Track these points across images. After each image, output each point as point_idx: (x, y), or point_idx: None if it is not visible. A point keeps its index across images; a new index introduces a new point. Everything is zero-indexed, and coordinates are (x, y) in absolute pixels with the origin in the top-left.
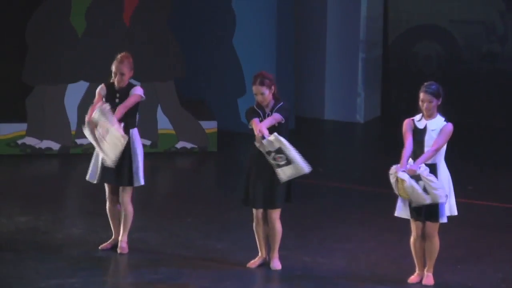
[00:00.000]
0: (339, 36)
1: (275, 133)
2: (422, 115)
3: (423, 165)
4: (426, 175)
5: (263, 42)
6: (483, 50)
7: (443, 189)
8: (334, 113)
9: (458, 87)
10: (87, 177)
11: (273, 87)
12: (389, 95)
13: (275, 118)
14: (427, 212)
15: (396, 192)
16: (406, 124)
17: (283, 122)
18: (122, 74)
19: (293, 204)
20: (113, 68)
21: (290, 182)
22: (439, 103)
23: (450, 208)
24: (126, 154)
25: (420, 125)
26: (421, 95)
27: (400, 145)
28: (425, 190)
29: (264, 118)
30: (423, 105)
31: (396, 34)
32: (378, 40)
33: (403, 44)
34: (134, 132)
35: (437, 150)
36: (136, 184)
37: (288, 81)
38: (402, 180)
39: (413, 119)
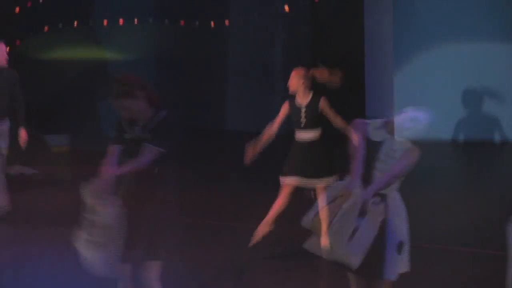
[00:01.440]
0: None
1: None
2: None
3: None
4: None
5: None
6: None
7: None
8: (238, 123)
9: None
10: None
11: (144, 93)
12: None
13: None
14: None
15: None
16: (359, 123)
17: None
18: None
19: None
20: None
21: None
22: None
23: (402, 260)
24: None
25: (376, 137)
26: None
27: None
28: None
29: (134, 139)
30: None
31: None
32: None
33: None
34: None
35: (397, 177)
36: None
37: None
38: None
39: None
